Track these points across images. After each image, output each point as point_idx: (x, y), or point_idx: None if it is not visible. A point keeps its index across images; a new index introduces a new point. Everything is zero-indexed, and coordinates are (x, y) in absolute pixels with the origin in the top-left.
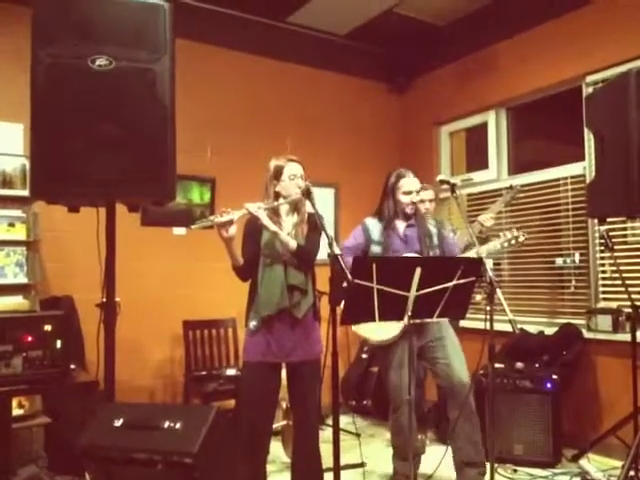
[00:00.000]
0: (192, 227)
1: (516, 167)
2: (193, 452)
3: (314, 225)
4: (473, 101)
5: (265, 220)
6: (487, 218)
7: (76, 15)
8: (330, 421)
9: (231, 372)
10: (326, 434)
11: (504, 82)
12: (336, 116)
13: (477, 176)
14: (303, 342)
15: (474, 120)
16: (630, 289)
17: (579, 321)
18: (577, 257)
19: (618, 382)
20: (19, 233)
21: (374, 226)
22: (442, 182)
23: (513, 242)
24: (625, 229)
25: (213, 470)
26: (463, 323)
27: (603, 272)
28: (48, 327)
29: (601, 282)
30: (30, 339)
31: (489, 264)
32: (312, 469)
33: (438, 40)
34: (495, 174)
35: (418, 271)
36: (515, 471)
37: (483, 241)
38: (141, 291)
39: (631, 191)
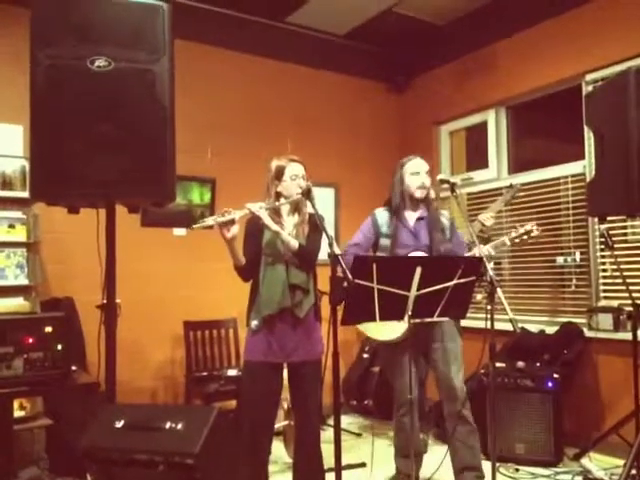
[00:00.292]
0: (194, 227)
1: (516, 166)
2: (194, 453)
3: (315, 225)
4: (473, 100)
5: (267, 220)
6: (487, 217)
7: (75, 16)
8: (331, 421)
9: (232, 373)
10: (327, 434)
11: (504, 81)
12: (335, 116)
13: (477, 175)
14: (304, 342)
15: (474, 119)
16: (631, 287)
17: (580, 320)
18: (578, 256)
19: (619, 380)
20: (19, 235)
21: (383, 218)
22: (442, 181)
23: (525, 237)
24: (625, 227)
25: (214, 471)
26: (464, 322)
27: (604, 271)
28: (49, 329)
29: (602, 281)
30: (31, 341)
31: (489, 264)
32: (313, 469)
33: (437, 39)
34: (495, 173)
35: (418, 270)
36: (517, 470)
37: (485, 241)
38: (142, 292)
39: (631, 190)
